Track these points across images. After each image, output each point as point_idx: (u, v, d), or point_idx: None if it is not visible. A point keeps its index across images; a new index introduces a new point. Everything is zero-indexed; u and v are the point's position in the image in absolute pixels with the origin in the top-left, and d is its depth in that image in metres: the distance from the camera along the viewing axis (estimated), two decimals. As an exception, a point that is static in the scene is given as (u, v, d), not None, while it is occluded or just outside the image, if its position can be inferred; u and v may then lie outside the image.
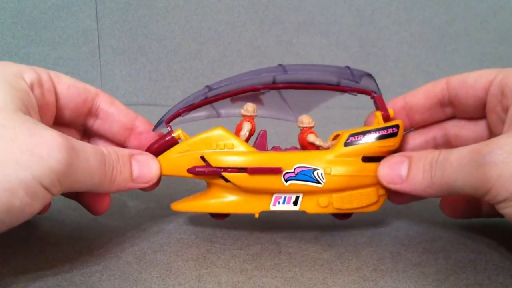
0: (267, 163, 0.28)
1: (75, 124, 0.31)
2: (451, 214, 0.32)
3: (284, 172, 0.28)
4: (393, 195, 0.31)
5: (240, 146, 0.29)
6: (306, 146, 0.30)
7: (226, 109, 0.30)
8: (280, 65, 0.29)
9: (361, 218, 0.32)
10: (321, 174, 0.28)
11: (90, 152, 0.25)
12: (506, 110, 0.27)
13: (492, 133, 0.29)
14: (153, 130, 0.30)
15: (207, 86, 0.29)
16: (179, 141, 0.29)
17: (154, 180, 0.29)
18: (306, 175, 0.28)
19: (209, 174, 0.29)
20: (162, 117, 0.30)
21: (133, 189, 0.28)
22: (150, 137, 0.30)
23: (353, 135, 0.29)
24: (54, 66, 0.67)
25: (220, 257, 0.28)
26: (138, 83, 0.67)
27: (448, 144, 0.32)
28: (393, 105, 0.31)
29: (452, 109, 0.31)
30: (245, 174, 0.28)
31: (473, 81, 0.29)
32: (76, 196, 0.30)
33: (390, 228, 0.32)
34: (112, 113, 0.31)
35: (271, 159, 0.28)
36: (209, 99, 0.29)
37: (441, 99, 0.31)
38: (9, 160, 0.22)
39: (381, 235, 0.31)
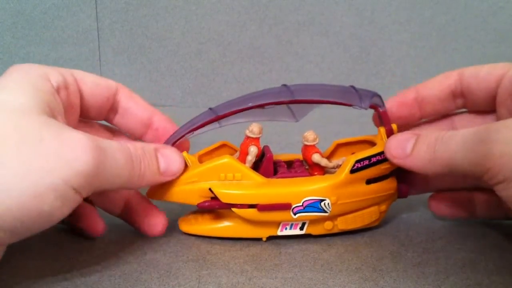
0: (277, 199, 0.28)
1: (98, 120, 0.31)
2: (437, 211, 0.32)
3: (293, 207, 0.29)
4: (433, 204, 0.33)
5: (248, 176, 0.29)
6: (311, 163, 0.31)
7: (228, 120, 0.29)
8: (285, 85, 0.29)
9: (361, 218, 0.32)
10: (328, 204, 0.29)
11: (117, 150, 0.25)
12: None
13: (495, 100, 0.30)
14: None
15: (211, 109, 0.29)
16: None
17: (180, 173, 0.29)
18: (314, 206, 0.29)
19: (219, 208, 0.29)
20: (167, 141, 0.30)
21: (160, 182, 0.28)
22: (166, 133, 0.30)
23: (359, 161, 0.29)
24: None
25: (220, 258, 0.28)
26: (138, 83, 0.67)
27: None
28: (404, 97, 0.31)
29: (463, 101, 0.31)
30: (254, 210, 0.28)
31: (485, 74, 0.29)
32: (72, 220, 0.30)
33: (390, 228, 0.32)
34: (131, 107, 0.31)
35: (281, 194, 0.29)
36: (213, 119, 0.29)
37: (454, 90, 0.31)
38: (36, 165, 0.21)
39: (381, 235, 0.31)
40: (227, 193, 0.28)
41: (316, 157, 0.30)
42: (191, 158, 0.29)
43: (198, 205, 0.29)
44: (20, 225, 0.21)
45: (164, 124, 0.31)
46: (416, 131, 0.30)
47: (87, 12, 0.66)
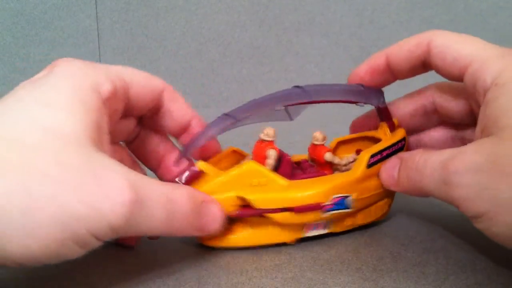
0: (309, 199, 0.28)
1: (137, 115, 0.29)
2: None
3: (323, 205, 0.29)
4: None
5: (272, 180, 0.28)
6: (322, 163, 0.31)
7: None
8: (298, 87, 0.29)
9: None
10: (351, 199, 0.29)
11: (158, 203, 0.23)
12: (478, 106, 0.26)
13: (473, 113, 0.29)
14: (176, 165, 0.29)
15: (226, 115, 0.28)
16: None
17: (216, 233, 0.27)
18: (340, 203, 0.29)
19: (251, 216, 0.28)
20: (187, 149, 0.28)
21: (193, 236, 0.27)
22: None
23: (373, 155, 0.29)
24: (54, 66, 0.67)
25: (220, 258, 0.28)
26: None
27: (435, 112, 0.31)
28: (376, 64, 0.31)
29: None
30: (289, 213, 0.28)
31: (452, 60, 0.27)
32: None
33: (390, 228, 0.32)
34: (173, 110, 0.29)
35: (312, 194, 0.28)
36: (232, 124, 0.28)
37: (424, 62, 0.29)
38: (67, 210, 0.20)
39: (381, 235, 0.31)
40: (259, 198, 0.28)
41: (328, 156, 0.30)
42: (210, 167, 0.28)
43: (230, 214, 0.28)
44: (34, 261, 0.21)
45: (200, 129, 0.29)
46: (400, 154, 0.29)
47: (87, 12, 0.66)
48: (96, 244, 0.21)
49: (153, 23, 0.66)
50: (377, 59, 0.31)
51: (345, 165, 0.31)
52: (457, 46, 0.27)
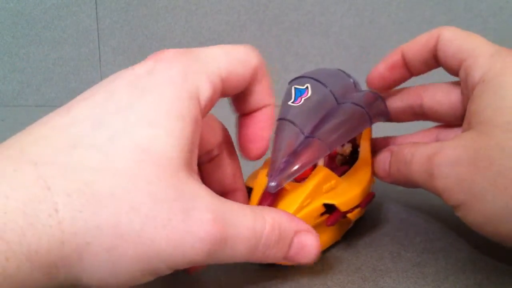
0: (367, 191, 0.30)
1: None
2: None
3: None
4: None
5: (337, 181, 0.28)
6: (335, 154, 0.32)
7: None
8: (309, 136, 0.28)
9: (361, 218, 0.32)
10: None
11: (243, 238, 0.21)
12: (468, 100, 0.27)
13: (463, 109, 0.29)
14: (272, 191, 0.26)
15: (320, 140, 0.27)
16: None
17: (307, 264, 0.25)
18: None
19: (338, 220, 0.28)
20: (274, 179, 0.26)
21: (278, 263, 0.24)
22: (258, 128, 0.26)
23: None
24: (54, 66, 0.67)
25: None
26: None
27: (423, 115, 0.32)
28: (393, 60, 0.32)
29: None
30: (358, 209, 0.29)
31: (452, 53, 0.28)
32: None
33: (390, 228, 0.32)
34: (253, 92, 0.26)
35: (367, 187, 0.30)
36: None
37: (434, 55, 0.30)
38: (152, 248, 0.19)
39: (381, 235, 0.31)
40: (343, 201, 0.27)
41: (338, 148, 0.32)
42: (263, 179, 0.27)
43: (328, 224, 0.27)
44: None
45: (265, 119, 0.26)
46: (390, 147, 0.30)
47: (87, 12, 0.66)
48: (169, 272, 0.21)
49: (153, 23, 0.66)
50: (394, 55, 0.32)
51: (341, 154, 0.32)
52: (458, 41, 0.28)
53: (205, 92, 0.22)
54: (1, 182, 0.18)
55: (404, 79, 0.33)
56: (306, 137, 0.27)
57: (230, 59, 0.24)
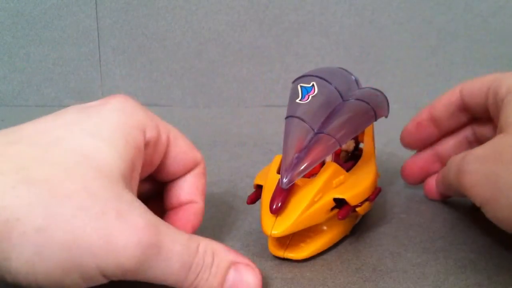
0: (375, 185, 0.30)
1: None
2: (409, 180, 0.36)
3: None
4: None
5: (345, 175, 0.29)
6: (338, 152, 0.32)
7: None
8: (319, 133, 0.28)
9: (363, 216, 0.32)
10: None
11: (177, 252, 0.21)
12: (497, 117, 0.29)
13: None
14: (285, 187, 0.26)
15: (329, 135, 0.27)
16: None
17: None
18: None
19: (348, 214, 0.28)
20: (287, 175, 0.26)
21: None
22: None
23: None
24: (54, 66, 0.67)
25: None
26: (138, 83, 0.67)
27: (478, 141, 0.33)
28: (420, 118, 0.34)
29: (471, 113, 0.33)
30: (367, 203, 0.29)
31: (478, 90, 0.30)
32: None
33: (390, 228, 0.32)
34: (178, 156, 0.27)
35: (374, 180, 0.30)
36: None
37: (459, 106, 0.32)
38: (80, 237, 0.19)
39: (381, 235, 0.31)
40: (353, 196, 0.28)
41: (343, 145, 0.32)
42: (275, 176, 0.27)
43: (339, 217, 0.27)
44: (35, 285, 0.20)
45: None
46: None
47: (87, 12, 0.66)
48: (102, 280, 0.20)
49: (153, 23, 0.66)
50: (422, 114, 0.34)
51: (345, 150, 0.33)
52: (481, 79, 0.31)
53: (150, 131, 0.25)
54: None
55: (432, 138, 0.35)
56: (316, 133, 0.28)
57: (179, 134, 0.27)
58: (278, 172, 0.27)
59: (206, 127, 0.28)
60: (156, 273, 0.21)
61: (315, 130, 0.28)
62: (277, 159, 0.29)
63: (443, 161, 0.34)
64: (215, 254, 0.23)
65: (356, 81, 0.32)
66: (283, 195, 0.26)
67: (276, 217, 0.26)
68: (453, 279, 0.26)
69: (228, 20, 0.65)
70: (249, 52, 0.66)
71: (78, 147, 0.21)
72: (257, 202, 0.29)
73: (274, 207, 0.26)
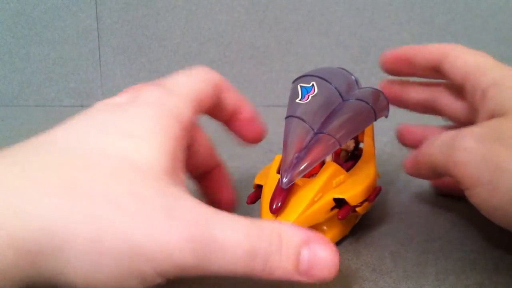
0: (374, 185, 0.30)
1: None
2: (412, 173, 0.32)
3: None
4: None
5: (345, 175, 0.28)
6: (338, 152, 0.32)
7: None
8: (319, 133, 0.28)
9: (363, 216, 0.32)
10: None
11: (236, 242, 0.20)
12: (474, 106, 0.29)
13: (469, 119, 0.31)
14: (285, 187, 0.26)
15: (330, 136, 0.28)
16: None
17: (328, 280, 0.22)
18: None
19: (348, 214, 0.28)
20: (287, 175, 0.26)
21: (297, 283, 0.22)
22: (248, 123, 0.30)
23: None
24: (54, 66, 0.67)
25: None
26: (138, 83, 0.67)
27: (434, 110, 0.34)
28: (401, 53, 0.34)
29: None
30: (367, 203, 0.29)
31: (459, 67, 0.30)
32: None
33: (390, 228, 0.32)
34: (224, 102, 0.29)
35: (374, 179, 0.30)
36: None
37: (437, 67, 0.32)
38: (134, 244, 0.19)
39: (381, 235, 0.31)
40: (352, 195, 0.28)
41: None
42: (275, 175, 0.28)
43: (340, 217, 0.27)
44: None
45: (248, 114, 0.30)
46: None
47: (87, 12, 0.66)
48: (160, 281, 0.20)
49: (153, 23, 0.66)
50: (402, 50, 0.34)
51: (345, 150, 0.33)
52: (464, 57, 0.30)
53: (185, 112, 0.24)
54: None
55: (402, 74, 0.35)
56: (316, 133, 0.28)
57: (195, 80, 0.26)
58: (278, 172, 0.27)
59: (206, 127, 0.28)
60: (218, 265, 0.20)
61: (315, 130, 0.28)
62: (277, 159, 0.29)
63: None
64: (282, 236, 0.21)
65: (356, 81, 0.32)
66: (283, 195, 0.26)
67: (276, 217, 0.26)
68: (453, 279, 0.26)
69: (228, 20, 0.65)
70: (249, 52, 0.66)
71: (117, 151, 0.21)
72: (257, 202, 0.29)
73: (274, 207, 0.25)
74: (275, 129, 0.33)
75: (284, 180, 0.26)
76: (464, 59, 0.30)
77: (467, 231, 0.32)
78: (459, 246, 0.30)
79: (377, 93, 0.31)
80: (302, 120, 0.28)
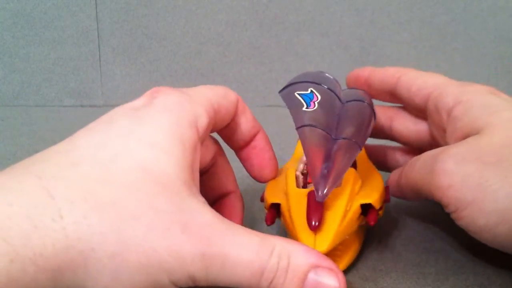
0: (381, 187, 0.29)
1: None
2: (397, 197, 0.32)
3: None
4: None
5: (361, 181, 0.28)
6: None
7: None
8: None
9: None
10: None
11: (245, 260, 0.21)
12: (439, 127, 0.29)
13: (432, 137, 0.31)
14: (322, 200, 0.25)
15: (355, 142, 0.27)
16: None
17: None
18: None
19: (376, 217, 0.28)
20: (323, 187, 0.24)
21: None
22: (262, 155, 0.29)
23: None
24: (54, 66, 0.67)
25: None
26: (138, 83, 0.67)
27: (390, 136, 0.34)
28: (361, 73, 0.33)
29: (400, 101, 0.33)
30: (384, 204, 0.29)
31: (416, 89, 0.30)
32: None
33: (390, 228, 0.32)
34: (240, 123, 0.28)
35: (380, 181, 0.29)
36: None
37: (392, 91, 0.32)
38: (153, 258, 0.19)
39: (381, 235, 0.31)
40: (376, 199, 0.27)
41: None
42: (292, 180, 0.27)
43: (372, 223, 0.26)
44: None
45: (264, 145, 0.29)
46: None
47: (87, 12, 0.66)
48: None
49: (153, 23, 0.66)
50: (364, 71, 0.34)
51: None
52: (422, 79, 0.30)
53: (202, 120, 0.24)
54: (6, 193, 0.19)
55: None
56: (335, 139, 0.26)
57: (215, 93, 0.26)
58: (298, 186, 0.27)
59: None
60: (227, 280, 0.21)
61: (333, 136, 0.27)
62: (290, 174, 0.28)
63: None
64: (291, 257, 0.21)
65: (335, 80, 0.31)
66: (321, 209, 0.25)
67: (315, 233, 0.25)
68: (453, 279, 0.26)
69: (228, 20, 0.65)
70: (249, 52, 0.66)
71: (137, 161, 0.21)
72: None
73: (314, 223, 0.24)
74: (275, 129, 0.33)
75: (320, 194, 0.24)
76: (423, 80, 0.30)
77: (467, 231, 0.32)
78: (459, 246, 0.30)
79: (365, 93, 0.31)
80: (316, 127, 0.27)
